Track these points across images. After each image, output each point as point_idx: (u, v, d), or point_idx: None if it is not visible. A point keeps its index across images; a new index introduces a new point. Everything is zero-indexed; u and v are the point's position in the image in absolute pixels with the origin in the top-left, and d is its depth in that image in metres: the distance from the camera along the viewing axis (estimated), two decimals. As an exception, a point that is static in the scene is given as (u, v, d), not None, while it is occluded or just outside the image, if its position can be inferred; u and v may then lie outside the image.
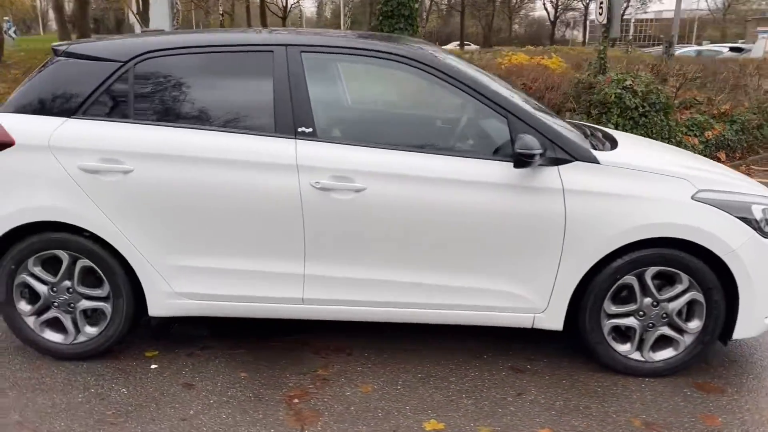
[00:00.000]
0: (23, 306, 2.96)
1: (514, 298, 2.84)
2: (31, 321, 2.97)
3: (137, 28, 23.31)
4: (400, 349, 3.13)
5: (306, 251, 2.81)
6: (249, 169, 2.75)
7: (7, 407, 2.63)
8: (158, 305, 2.92)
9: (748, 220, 2.74)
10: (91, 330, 2.97)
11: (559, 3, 52.69)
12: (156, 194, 2.77)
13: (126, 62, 2.83)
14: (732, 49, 22.20)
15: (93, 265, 2.87)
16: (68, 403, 2.66)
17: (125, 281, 2.88)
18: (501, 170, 2.73)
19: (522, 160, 2.60)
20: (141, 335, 3.20)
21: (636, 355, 2.90)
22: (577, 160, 2.75)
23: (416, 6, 11.52)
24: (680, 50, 24.40)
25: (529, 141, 2.60)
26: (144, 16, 16.46)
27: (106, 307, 2.93)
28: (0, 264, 2.88)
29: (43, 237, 2.84)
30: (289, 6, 38.14)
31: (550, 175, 2.72)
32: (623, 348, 2.90)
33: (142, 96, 2.83)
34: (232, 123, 2.83)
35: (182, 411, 2.62)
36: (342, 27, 33.05)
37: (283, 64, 2.80)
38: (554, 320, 2.87)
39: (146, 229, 2.80)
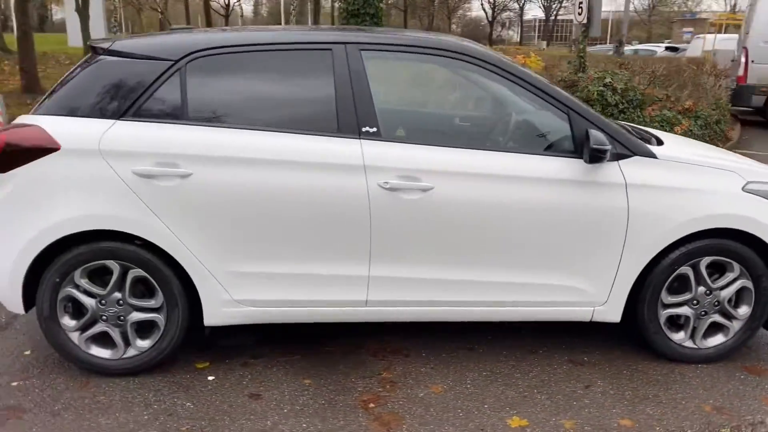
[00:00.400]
0: (67, 321, 2.77)
1: (577, 292, 2.88)
2: (75, 336, 2.79)
3: (73, 25, 22.25)
4: (456, 349, 3.13)
5: (372, 253, 2.76)
6: (314, 170, 2.68)
7: (73, 430, 2.46)
8: (215, 314, 2.81)
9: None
10: (142, 343, 2.82)
11: (497, 3, 53.88)
12: (217, 198, 2.65)
13: (177, 61, 2.70)
14: (668, 48, 23.28)
15: (146, 274, 2.72)
16: (135, 421, 2.52)
17: (180, 290, 2.75)
18: (565, 166, 2.77)
19: (596, 156, 2.64)
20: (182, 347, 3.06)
21: (689, 343, 3.01)
22: (636, 155, 2.82)
23: (381, 5, 11.53)
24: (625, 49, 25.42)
25: (601, 137, 2.65)
26: (84, 14, 15.70)
27: (159, 318, 2.79)
28: (43, 277, 2.69)
29: (92, 247, 2.67)
30: (231, 4, 37.29)
31: (613, 171, 2.78)
32: (678, 336, 3.00)
33: (195, 96, 2.71)
34: (292, 123, 2.74)
35: (259, 423, 2.52)
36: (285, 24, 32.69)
37: (344, 62, 2.74)
38: (613, 313, 2.93)
39: (205, 235, 2.68)
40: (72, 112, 2.68)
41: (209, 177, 2.64)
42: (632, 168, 2.79)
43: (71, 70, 2.92)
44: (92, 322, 2.79)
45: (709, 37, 18.90)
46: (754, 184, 2.90)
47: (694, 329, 3.00)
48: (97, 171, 2.62)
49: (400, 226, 2.73)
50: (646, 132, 3.43)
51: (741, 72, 11.23)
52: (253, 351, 3.08)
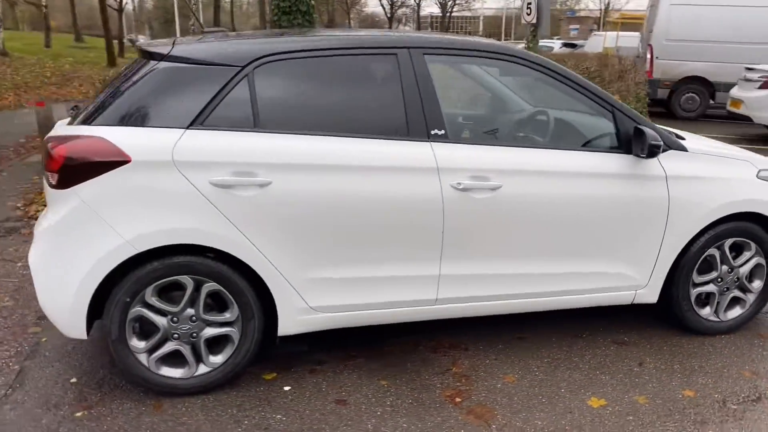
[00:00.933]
0: (136, 342, 2.63)
1: (623, 278, 3.11)
2: (144, 358, 2.65)
3: None
4: (508, 340, 3.26)
5: (443, 252, 2.83)
6: (389, 174, 2.71)
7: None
8: (290, 323, 2.77)
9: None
10: (215, 359, 2.72)
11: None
12: (296, 206, 2.62)
13: (244, 67, 2.63)
14: (565, 44, 24.72)
15: (221, 288, 2.64)
16: (235, 439, 2.45)
17: (256, 301, 2.69)
18: (614, 161, 2.98)
19: (653, 151, 2.87)
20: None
21: (713, 317, 3.33)
22: (671, 149, 3.08)
23: (312, 2, 11.44)
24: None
25: (654, 133, 2.88)
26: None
27: (234, 331, 2.71)
28: (111, 297, 2.53)
29: (165, 262, 2.55)
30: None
31: (654, 164, 3.02)
32: (705, 312, 3.31)
33: (264, 103, 2.65)
34: (363, 128, 2.75)
35: (360, 427, 2.53)
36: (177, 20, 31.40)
37: (409, 66, 2.79)
38: (652, 295, 3.20)
39: (283, 244, 2.64)
40: (135, 122, 2.54)
41: (289, 185, 2.59)
42: (669, 161, 3.05)
43: (120, 76, 2.76)
44: (162, 342, 2.66)
45: (610, 34, 20.32)
46: (766, 171, 3.25)
47: (718, 304, 3.32)
48: (172, 183, 2.50)
49: (470, 224, 2.82)
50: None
51: (648, 67, 12.20)
52: (312, 357, 3.06)
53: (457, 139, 2.84)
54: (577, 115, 3.16)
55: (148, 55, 2.68)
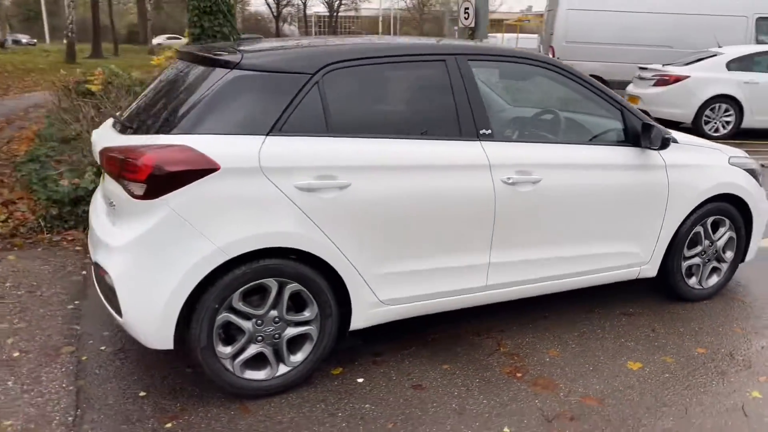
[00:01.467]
0: (222, 348, 2.66)
1: (632, 256, 3.54)
2: (228, 363, 2.68)
3: None
4: (534, 319, 3.58)
5: (492, 241, 3.09)
6: (449, 172, 2.93)
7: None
8: (362, 317, 2.91)
9: (754, 175, 3.86)
10: (295, 358, 2.80)
11: (280, -1, 54.12)
12: (371, 205, 2.76)
13: (314, 74, 2.73)
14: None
15: (302, 288, 2.73)
16: (340, 430, 2.56)
17: (333, 299, 2.80)
18: (626, 153, 3.39)
19: (666, 143, 3.29)
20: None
21: (698, 285, 3.85)
22: (668, 141, 3.54)
23: (232, 1, 11.24)
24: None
25: (663, 128, 3.31)
26: None
27: (313, 329, 2.80)
28: (201, 306, 2.55)
29: (253, 266, 2.59)
30: None
31: (656, 155, 3.46)
32: (692, 281, 3.83)
33: (334, 108, 2.76)
34: (420, 130, 2.94)
35: (448, 407, 2.73)
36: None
37: (456, 72, 3.01)
38: (652, 270, 3.65)
39: (359, 242, 2.77)
40: (214, 130, 2.56)
41: (365, 186, 2.73)
42: (667, 151, 3.50)
43: (168, 82, 2.77)
44: (246, 345, 2.70)
45: (506, 36, 21.52)
46: (734, 158, 3.82)
47: (701, 274, 3.84)
48: (261, 189, 2.56)
49: (515, 215, 3.10)
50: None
51: (550, 67, 13.17)
52: (369, 350, 3.20)
53: (501, 138, 3.10)
54: (593, 113, 3.52)
55: (211, 62, 2.70)
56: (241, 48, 2.83)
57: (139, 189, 2.46)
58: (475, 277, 3.11)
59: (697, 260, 3.80)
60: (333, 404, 2.75)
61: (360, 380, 2.94)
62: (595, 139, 3.45)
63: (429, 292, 3.03)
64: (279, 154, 2.60)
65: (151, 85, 3.18)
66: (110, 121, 3.19)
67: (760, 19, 13.02)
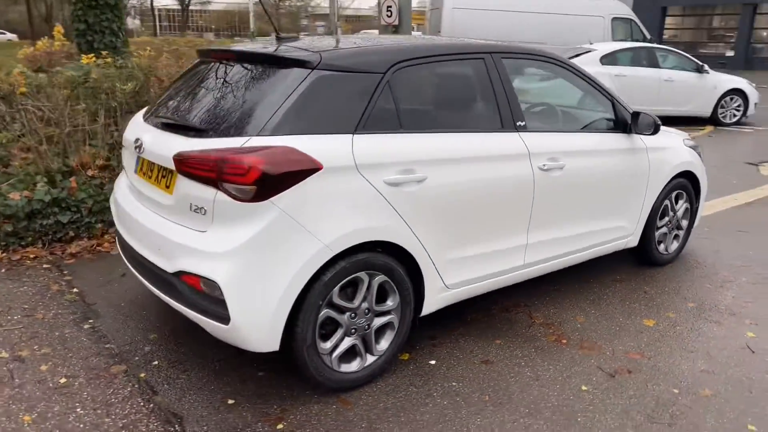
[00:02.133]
0: (322, 345, 2.70)
1: (623, 229, 4.03)
2: (327, 359, 2.73)
3: None
4: (547, 291, 3.95)
5: (530, 224, 3.40)
6: (499, 162, 3.18)
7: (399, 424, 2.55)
8: (432, 302, 3.07)
9: (698, 153, 4.55)
10: (380, 347, 2.91)
11: (125, -7, 50.57)
12: (443, 197, 2.93)
13: (385, 73, 2.84)
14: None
15: (387, 279, 2.84)
16: (452, 408, 2.71)
17: (412, 288, 2.94)
18: (618, 139, 3.85)
19: (657, 128, 3.79)
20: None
21: (665, 251, 4.46)
22: (645, 127, 4.07)
23: (119, -4, 10.54)
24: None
25: (653, 115, 3.80)
26: None
27: (394, 318, 2.93)
28: (307, 304, 2.58)
29: (351, 261, 2.66)
30: None
31: (639, 139, 3.97)
32: (661, 248, 4.42)
33: (403, 105, 2.89)
34: (474, 123, 3.19)
35: (525, 374, 2.99)
36: None
37: (494, 68, 3.27)
38: (636, 240, 4.19)
39: (432, 232, 2.93)
40: (306, 131, 2.59)
41: (437, 178, 2.90)
42: (645, 136, 4.03)
43: (251, 84, 2.75)
44: (341, 339, 2.76)
45: (374, 32, 21.97)
46: (686, 140, 4.46)
47: (666, 241, 4.46)
48: (357, 185, 2.64)
49: (547, 198, 3.43)
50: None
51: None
52: (423, 334, 3.35)
53: (532, 129, 3.40)
54: (594, 103, 3.94)
55: (287, 63, 2.71)
56: (314, 48, 2.84)
57: (245, 192, 2.43)
58: (516, 258, 3.40)
59: (664, 229, 4.39)
60: (422, 386, 2.89)
61: (432, 362, 3.11)
62: (597, 128, 3.88)
63: (481, 275, 3.26)
64: (368, 151, 2.69)
65: (189, 85, 3.08)
66: (144, 127, 3.04)
67: (614, 19, 14.70)
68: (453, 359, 3.14)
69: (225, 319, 2.48)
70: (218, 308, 2.49)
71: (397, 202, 2.76)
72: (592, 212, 3.76)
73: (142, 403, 2.72)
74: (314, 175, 2.52)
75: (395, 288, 2.88)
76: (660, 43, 15.44)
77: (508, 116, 3.26)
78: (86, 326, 3.41)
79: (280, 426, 2.59)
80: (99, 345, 3.21)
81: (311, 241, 2.51)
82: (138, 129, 3.06)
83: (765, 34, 29.98)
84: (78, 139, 5.14)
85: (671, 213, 4.39)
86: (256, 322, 2.49)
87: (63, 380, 2.88)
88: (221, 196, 2.48)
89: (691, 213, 4.55)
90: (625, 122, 3.87)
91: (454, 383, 2.92)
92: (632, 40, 14.35)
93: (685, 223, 4.56)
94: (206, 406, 2.72)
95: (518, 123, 3.29)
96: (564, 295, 3.93)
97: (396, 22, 8.42)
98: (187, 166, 2.56)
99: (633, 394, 2.86)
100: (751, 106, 12.14)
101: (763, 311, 3.76)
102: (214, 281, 2.46)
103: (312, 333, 2.62)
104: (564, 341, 3.35)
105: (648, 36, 15.34)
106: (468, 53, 3.24)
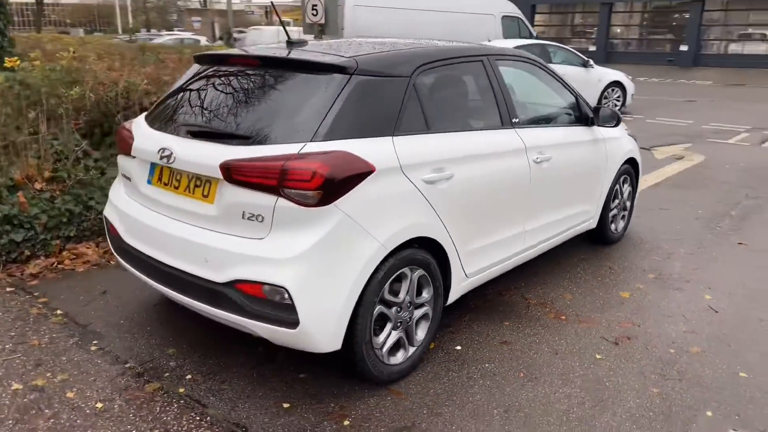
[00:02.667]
0: (376, 339, 2.80)
1: (588, 213, 4.46)
2: (379, 352, 2.83)
3: None
4: (529, 276, 4.26)
5: (528, 212, 3.69)
6: (505, 156, 3.44)
7: (486, 404, 2.72)
8: (455, 291, 3.26)
9: (636, 141, 5.10)
10: (418, 337, 3.05)
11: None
12: (467, 192, 3.13)
13: (410, 76, 2.98)
14: (221, 38, 25.17)
15: (424, 273, 2.99)
16: (508, 384, 2.92)
17: (442, 279, 3.12)
18: (584, 131, 4.26)
19: (619, 121, 4.22)
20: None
21: (616, 231, 4.97)
22: (599, 119, 4.52)
23: (5, -6, 9.65)
24: (158, 39, 26.01)
25: (614, 109, 4.23)
26: None
27: (428, 309, 3.08)
28: (365, 301, 2.67)
29: (399, 257, 2.78)
30: None
31: (598, 130, 4.41)
32: (612, 227, 4.92)
33: (427, 107, 3.05)
34: (483, 121, 3.42)
35: (545, 349, 3.27)
36: None
37: (491, 70, 3.51)
38: (595, 222, 4.64)
39: (458, 225, 3.11)
40: (354, 134, 2.67)
41: (463, 175, 3.09)
42: (601, 127, 4.47)
43: (285, 89, 2.78)
44: (389, 333, 2.88)
45: (268, 28, 21.65)
46: (627, 130, 4.99)
47: (617, 222, 4.97)
48: (402, 185, 2.77)
49: (539, 188, 3.73)
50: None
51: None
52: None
53: (523, 125, 3.68)
54: (563, 99, 4.29)
55: (323, 68, 2.77)
56: (344, 53, 2.91)
57: (309, 197, 2.47)
58: (518, 243, 3.68)
59: (615, 211, 4.89)
60: (459, 370, 3.08)
61: (458, 348, 3.30)
62: (569, 122, 4.25)
63: (492, 262, 3.50)
64: (407, 152, 2.82)
65: (206, 92, 3.03)
66: (165, 136, 2.94)
67: (504, 18, 15.60)
68: (475, 343, 3.35)
69: (292, 323, 2.51)
70: (284, 313, 2.51)
71: (433, 199, 2.92)
72: (569, 199, 4.13)
73: (198, 418, 2.67)
74: (369, 177, 2.61)
75: (430, 281, 3.03)
76: (533, 39, 16.63)
77: (505, 114, 3.52)
78: (93, 348, 3.24)
79: (346, 422, 2.66)
80: (118, 366, 3.08)
81: (370, 240, 2.61)
82: (157, 139, 2.95)
83: (619, 30, 33.06)
84: (17, 150, 4.75)
85: (621, 196, 4.89)
86: (324, 324, 2.55)
87: (99, 405, 2.75)
88: (283, 202, 2.50)
89: (633, 195, 5.10)
90: (587, 116, 4.28)
91: (486, 365, 3.14)
92: (520, 37, 15.32)
93: (629, 204, 5.09)
94: (264, 412, 2.72)
95: (514, 119, 3.56)
96: (544, 276, 4.28)
97: (322, 21, 8.45)
98: (240, 174, 2.55)
99: (641, 357, 3.24)
100: (629, 97, 13.47)
101: (708, 276, 4.34)
102: (281, 287, 2.48)
103: (369, 329, 2.72)
104: (563, 317, 3.68)
105: (534, 33, 16.45)
106: (471, 56, 3.45)
